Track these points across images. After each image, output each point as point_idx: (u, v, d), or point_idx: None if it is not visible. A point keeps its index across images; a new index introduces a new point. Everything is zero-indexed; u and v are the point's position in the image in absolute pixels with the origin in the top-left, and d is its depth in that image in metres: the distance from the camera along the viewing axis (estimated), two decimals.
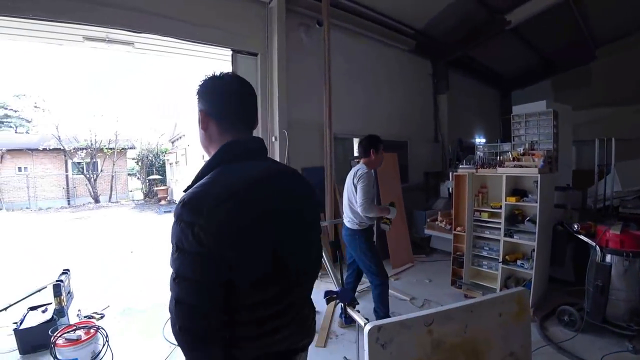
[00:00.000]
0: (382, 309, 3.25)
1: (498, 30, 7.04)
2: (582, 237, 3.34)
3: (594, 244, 3.23)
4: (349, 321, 3.42)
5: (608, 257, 3.13)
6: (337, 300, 3.09)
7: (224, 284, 0.87)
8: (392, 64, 6.89)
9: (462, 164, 3.99)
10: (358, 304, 3.26)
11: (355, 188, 3.17)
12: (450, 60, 8.06)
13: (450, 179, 4.57)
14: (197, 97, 1.12)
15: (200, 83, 1.11)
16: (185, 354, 0.92)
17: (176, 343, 0.91)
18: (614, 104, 8.73)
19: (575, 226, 3.40)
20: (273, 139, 4.84)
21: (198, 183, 0.94)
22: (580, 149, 7.72)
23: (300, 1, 5.04)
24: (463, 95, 8.98)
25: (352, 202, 3.23)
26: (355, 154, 6.32)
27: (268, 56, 4.88)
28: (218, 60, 5.07)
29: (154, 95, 40.59)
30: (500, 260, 3.71)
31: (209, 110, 1.09)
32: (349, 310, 3.05)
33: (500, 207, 3.66)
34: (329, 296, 3.10)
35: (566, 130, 5.15)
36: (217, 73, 1.12)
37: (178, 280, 0.87)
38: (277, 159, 4.73)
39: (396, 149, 6.18)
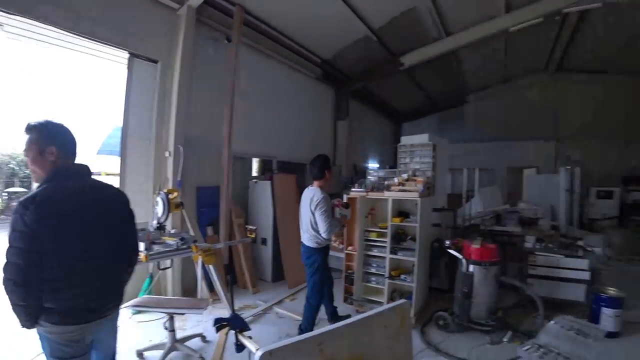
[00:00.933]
0: (308, 326, 3.40)
1: (393, 70, 7.95)
2: (452, 251, 3.89)
3: (461, 257, 3.79)
4: (240, 349, 3.28)
5: (471, 267, 3.71)
6: (229, 328, 2.98)
7: (37, 251, 1.45)
8: (297, 88, 7.14)
9: (355, 188, 4.28)
10: (250, 329, 3.19)
11: (313, 214, 3.23)
12: (352, 91, 8.73)
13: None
14: (41, 135, 1.63)
15: (45, 126, 1.64)
16: (7, 296, 1.47)
17: None
18: (480, 140, 10.67)
19: (447, 242, 3.95)
20: (167, 154, 4.49)
21: (34, 190, 1.54)
22: (454, 176, 9.09)
23: (212, 14, 4.90)
24: (361, 124, 9.76)
25: (309, 227, 3.33)
26: (254, 174, 6.30)
27: (170, 65, 4.59)
28: (112, 62, 4.53)
29: (27, 91, 34.09)
30: (387, 275, 4.04)
31: (57, 145, 1.63)
32: (240, 338, 2.95)
33: (387, 228, 4.01)
34: (218, 324, 2.94)
35: (444, 159, 6.01)
36: (55, 121, 1.69)
37: (9, 248, 1.45)
38: (170, 175, 4.42)
39: (296, 171, 6.35)
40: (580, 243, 4.79)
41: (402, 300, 2.16)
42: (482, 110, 10.93)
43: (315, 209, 3.22)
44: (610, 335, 3.56)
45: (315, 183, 3.42)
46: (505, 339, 3.53)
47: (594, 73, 9.51)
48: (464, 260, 3.77)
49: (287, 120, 6.85)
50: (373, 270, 4.23)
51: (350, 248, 4.28)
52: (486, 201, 5.67)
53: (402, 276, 4.03)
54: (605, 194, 9.05)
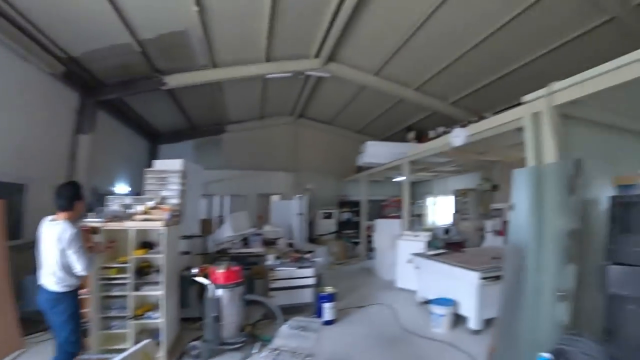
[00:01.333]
0: None
1: (156, 87, 7.46)
2: (198, 279, 3.94)
3: (208, 282, 3.90)
4: None
5: (219, 291, 3.88)
6: None
7: None
8: (23, 83, 5.34)
9: (91, 217, 3.61)
10: None
11: (64, 253, 2.80)
12: (103, 100, 7.46)
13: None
14: None
15: None
16: None
17: None
18: (235, 168, 11.66)
19: (194, 270, 3.96)
20: None
21: None
22: (209, 202, 9.39)
23: None
24: (111, 140, 8.46)
25: (58, 269, 2.83)
26: None
27: None
28: None
29: None
30: (131, 316, 3.63)
31: None
32: None
33: (128, 262, 3.63)
34: None
35: (198, 186, 6.06)
36: None
37: None
38: None
39: (5, 195, 4.60)
40: (307, 255, 5.96)
41: (145, 342, 1.98)
42: (239, 141, 12.08)
43: (68, 247, 2.78)
44: (328, 323, 4.77)
45: (61, 215, 2.88)
46: (254, 351, 3.87)
47: (324, 124, 12.77)
48: (211, 286, 3.89)
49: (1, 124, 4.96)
50: (114, 314, 3.69)
51: (82, 291, 3.50)
52: (236, 225, 6.12)
53: (149, 313, 3.72)
54: (328, 215, 11.99)
